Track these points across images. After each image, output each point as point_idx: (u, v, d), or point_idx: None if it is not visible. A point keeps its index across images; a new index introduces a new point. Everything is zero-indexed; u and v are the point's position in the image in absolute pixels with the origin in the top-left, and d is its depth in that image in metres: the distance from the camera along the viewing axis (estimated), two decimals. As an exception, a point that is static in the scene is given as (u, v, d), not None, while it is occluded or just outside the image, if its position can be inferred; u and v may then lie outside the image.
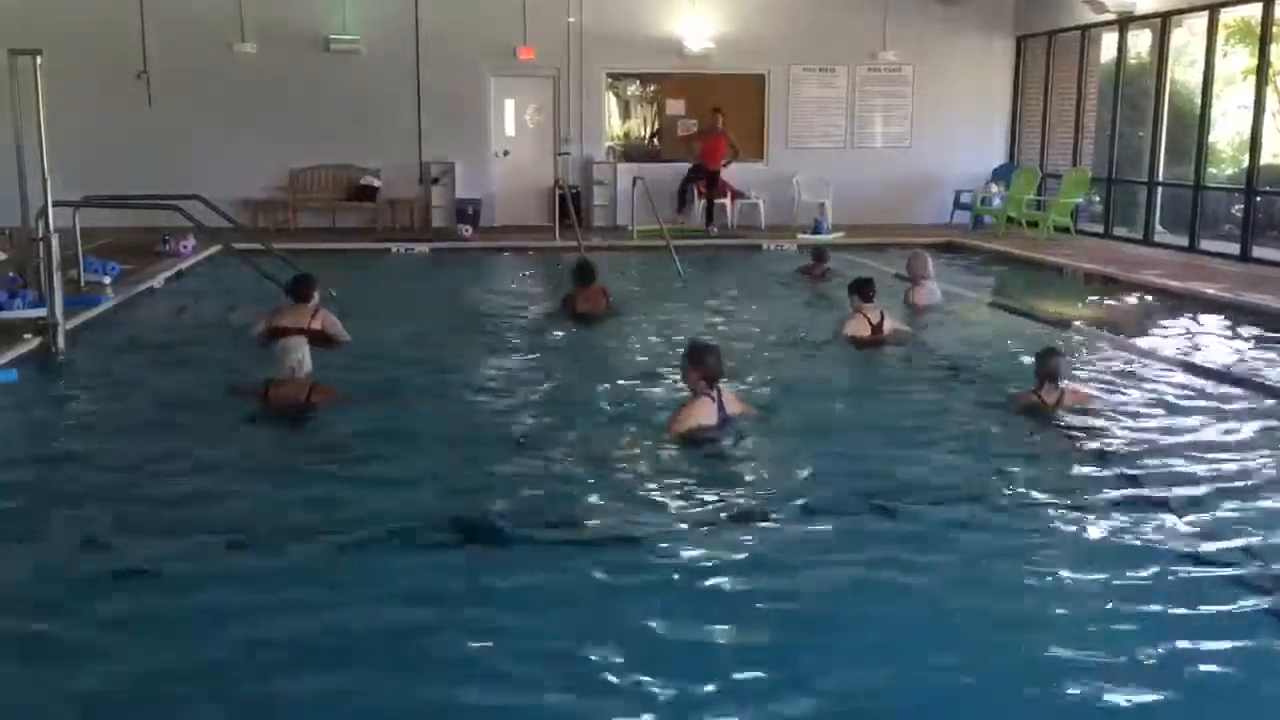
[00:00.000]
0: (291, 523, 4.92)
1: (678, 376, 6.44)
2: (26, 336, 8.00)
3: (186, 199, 10.78)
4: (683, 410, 5.96)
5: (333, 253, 13.73)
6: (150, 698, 3.52)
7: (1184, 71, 15.22)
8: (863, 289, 8.63)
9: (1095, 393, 6.97)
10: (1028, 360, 7.37)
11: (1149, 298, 11.10)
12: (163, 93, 16.08)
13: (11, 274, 9.83)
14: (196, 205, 11.10)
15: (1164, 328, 9.72)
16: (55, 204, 8.35)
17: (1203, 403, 6.97)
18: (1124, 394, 7.13)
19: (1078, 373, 7.54)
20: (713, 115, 16.61)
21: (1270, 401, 6.96)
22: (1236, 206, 13.92)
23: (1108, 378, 7.58)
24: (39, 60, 8.20)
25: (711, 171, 16.58)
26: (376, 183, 16.72)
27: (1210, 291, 10.80)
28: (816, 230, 15.90)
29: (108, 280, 10.72)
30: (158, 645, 3.80)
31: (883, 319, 8.49)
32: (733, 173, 16.84)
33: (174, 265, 12.37)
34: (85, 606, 4.06)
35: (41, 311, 8.31)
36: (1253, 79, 13.39)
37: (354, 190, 16.76)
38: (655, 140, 17.90)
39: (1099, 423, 6.41)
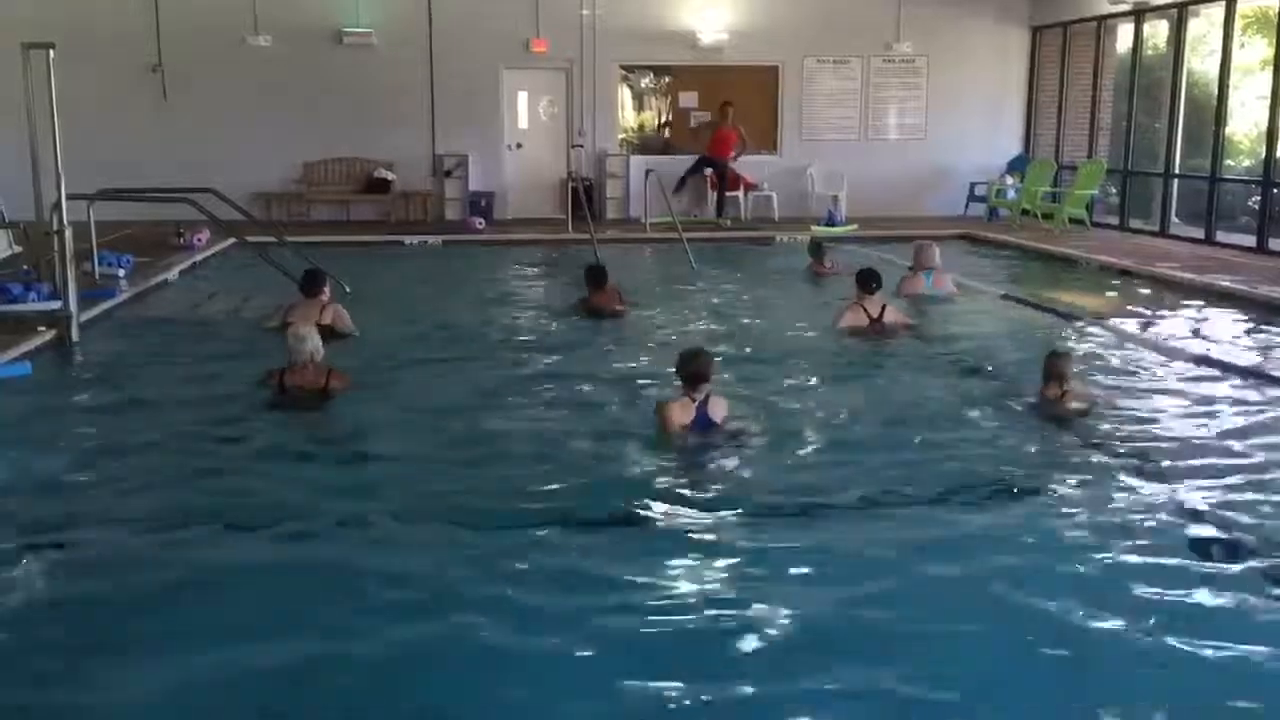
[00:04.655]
0: (301, 510, 4.95)
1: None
2: (40, 329, 8.04)
3: (199, 192, 10.81)
4: (659, 411, 6.00)
5: (346, 245, 13.76)
6: (160, 686, 3.53)
7: (1201, 62, 15.11)
8: (864, 280, 8.63)
9: (1100, 394, 6.88)
10: (1034, 353, 7.37)
11: (1164, 290, 11.02)
12: (177, 86, 16.14)
13: (26, 267, 9.89)
14: (211, 198, 11.15)
15: (1179, 321, 9.66)
16: (69, 197, 8.40)
17: (1218, 396, 6.93)
18: (1136, 387, 7.08)
19: (1091, 365, 7.52)
20: (723, 109, 16.59)
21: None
22: (1254, 198, 13.82)
23: (1121, 371, 7.54)
24: (51, 54, 8.24)
25: (720, 163, 16.56)
26: (390, 175, 16.75)
27: (1226, 284, 10.72)
28: (829, 222, 15.85)
29: (122, 273, 10.76)
30: (167, 634, 3.82)
31: (884, 310, 8.46)
32: (746, 163, 16.81)
33: (188, 258, 12.42)
34: (90, 601, 4.10)
35: (56, 304, 8.37)
36: (1270, 69, 13.27)
37: (367, 183, 16.80)
38: (667, 130, 17.89)
39: (1106, 420, 6.36)
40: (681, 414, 5.89)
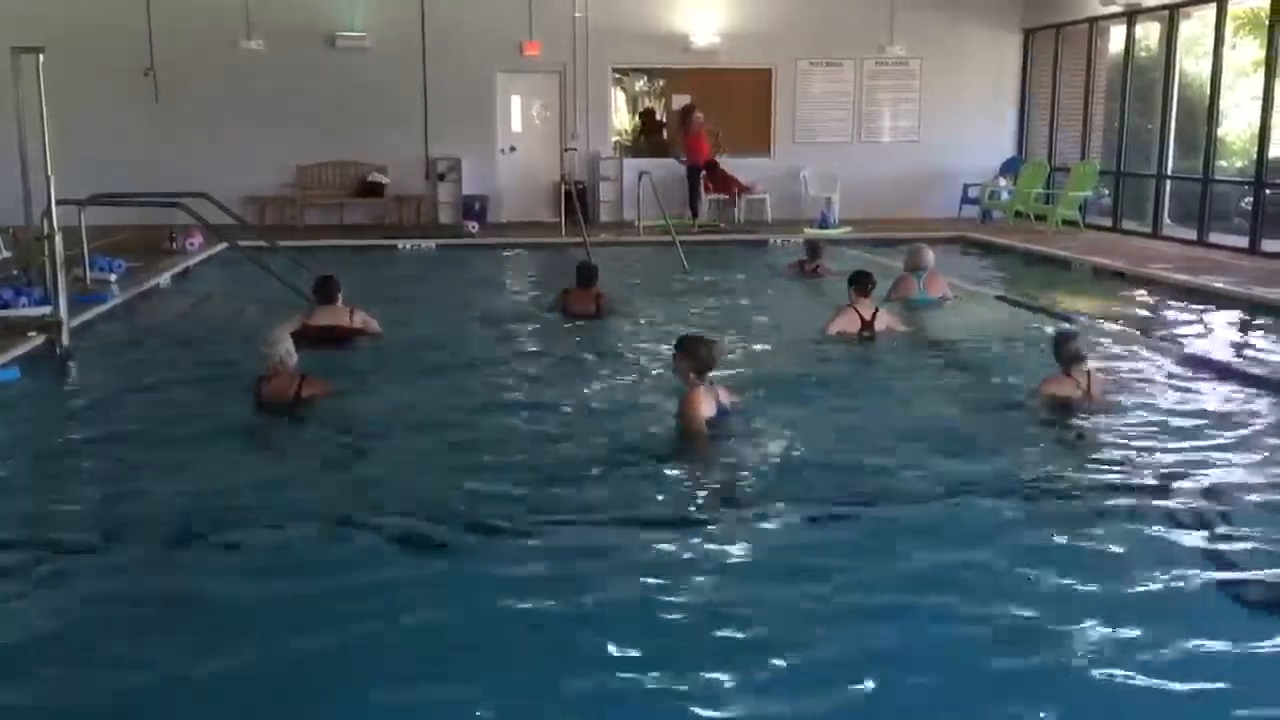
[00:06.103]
0: (289, 517, 4.92)
1: (667, 370, 6.42)
2: (31, 334, 8.01)
3: (191, 197, 10.79)
4: (688, 403, 5.87)
5: (340, 249, 13.73)
6: (148, 687, 3.51)
7: (1193, 64, 15.14)
8: (858, 282, 8.57)
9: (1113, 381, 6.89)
10: (1031, 353, 7.36)
11: (1157, 291, 11.02)
12: (170, 90, 16.12)
13: (16, 271, 9.86)
14: (203, 202, 11.12)
15: (1172, 322, 9.65)
16: (59, 202, 8.35)
17: (1211, 398, 6.92)
18: (1129, 389, 7.07)
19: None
20: (687, 114, 16.55)
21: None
22: (1246, 199, 13.84)
23: (1114, 373, 7.52)
24: (41, 58, 8.21)
25: (697, 169, 16.53)
26: (383, 179, 16.75)
27: (1219, 285, 10.73)
28: (823, 224, 15.86)
29: (114, 278, 10.74)
30: (154, 639, 3.80)
31: (876, 314, 8.44)
32: (739, 165, 16.81)
33: (180, 263, 12.40)
34: (83, 601, 4.09)
35: (47, 309, 8.34)
36: (1262, 70, 13.30)
37: (361, 186, 16.79)
38: (641, 137, 17.91)
39: (1102, 422, 6.36)
40: (707, 403, 5.84)
